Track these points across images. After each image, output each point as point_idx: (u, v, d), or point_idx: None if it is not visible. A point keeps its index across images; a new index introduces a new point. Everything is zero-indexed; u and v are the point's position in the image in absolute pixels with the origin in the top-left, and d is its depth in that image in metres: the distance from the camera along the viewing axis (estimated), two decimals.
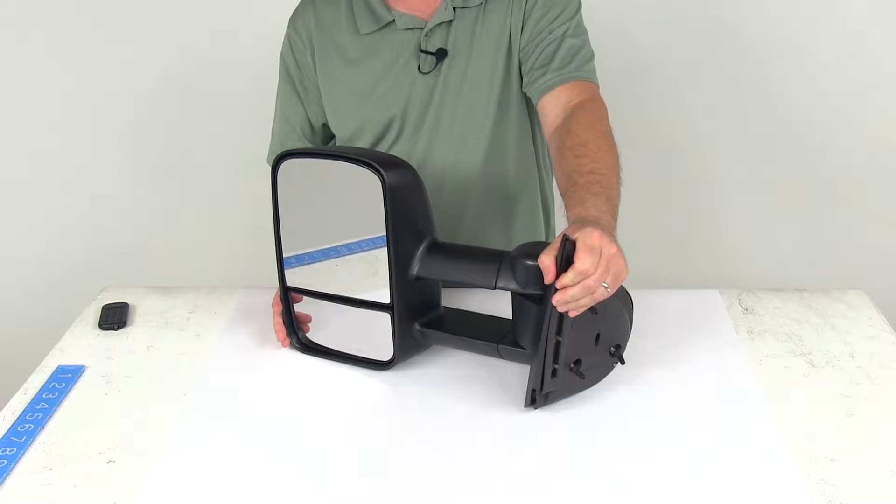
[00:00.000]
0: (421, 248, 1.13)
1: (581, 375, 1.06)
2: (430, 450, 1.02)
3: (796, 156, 2.11)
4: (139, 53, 2.05)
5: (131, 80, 2.07)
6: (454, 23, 1.30)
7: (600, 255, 0.95)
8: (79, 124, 2.11)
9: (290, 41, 1.38)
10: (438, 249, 1.14)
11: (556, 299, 0.97)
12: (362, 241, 1.14)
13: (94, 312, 1.34)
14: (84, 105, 2.09)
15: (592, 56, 1.31)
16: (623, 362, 1.10)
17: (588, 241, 0.96)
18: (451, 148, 1.35)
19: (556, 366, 1.03)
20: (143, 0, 2.00)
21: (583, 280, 0.95)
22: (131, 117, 2.11)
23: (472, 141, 1.34)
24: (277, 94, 1.43)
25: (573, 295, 0.96)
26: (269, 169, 1.19)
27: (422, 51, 1.30)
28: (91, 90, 2.08)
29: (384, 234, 1.09)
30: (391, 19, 1.31)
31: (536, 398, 1.06)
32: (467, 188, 1.38)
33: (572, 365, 1.05)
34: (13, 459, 1.01)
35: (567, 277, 0.95)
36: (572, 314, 0.98)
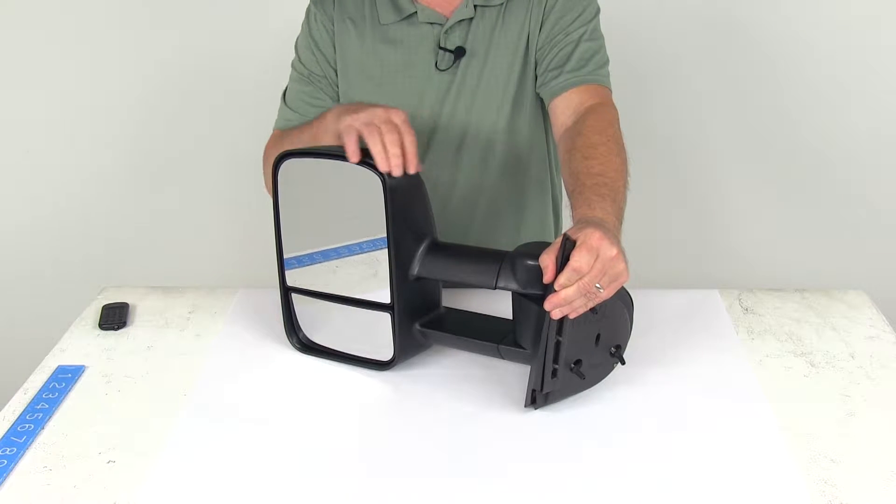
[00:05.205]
0: (421, 248, 1.13)
1: (581, 375, 1.06)
2: (431, 450, 1.02)
3: (796, 156, 2.11)
4: (139, 53, 2.05)
5: (131, 79, 2.07)
6: (474, 21, 1.30)
7: (597, 257, 0.95)
8: (78, 124, 2.11)
9: (314, 16, 1.35)
10: (439, 249, 1.14)
11: (550, 302, 0.96)
12: (363, 242, 1.14)
13: (94, 312, 1.34)
14: (84, 104, 2.09)
15: (607, 61, 1.31)
16: (623, 362, 1.10)
17: (587, 241, 0.95)
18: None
19: (557, 366, 1.02)
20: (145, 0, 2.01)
21: (577, 280, 0.95)
22: (131, 117, 2.11)
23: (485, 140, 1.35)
24: (296, 65, 1.38)
25: (566, 297, 0.95)
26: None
27: (441, 48, 1.30)
28: (91, 90, 2.08)
29: (385, 235, 1.09)
30: (413, 11, 1.31)
31: (537, 398, 1.06)
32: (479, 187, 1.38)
33: (573, 365, 1.05)
34: (13, 459, 1.01)
35: (563, 277, 0.95)
36: (571, 316, 0.98)
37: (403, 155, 1.05)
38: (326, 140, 1.14)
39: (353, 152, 1.06)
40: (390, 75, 1.33)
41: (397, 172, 1.05)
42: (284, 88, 1.40)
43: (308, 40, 1.37)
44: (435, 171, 1.36)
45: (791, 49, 2.01)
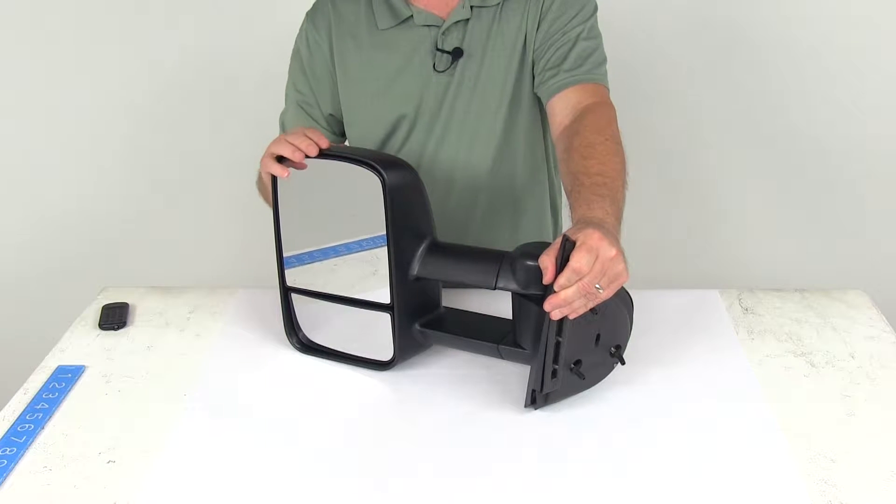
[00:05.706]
0: (421, 248, 1.13)
1: (581, 376, 1.06)
2: (430, 450, 1.02)
3: (796, 156, 2.11)
4: (140, 53, 2.05)
5: (132, 79, 2.07)
6: (471, 22, 1.30)
7: (597, 257, 0.95)
8: (79, 124, 2.11)
9: (306, 35, 1.37)
10: (438, 249, 1.14)
11: (549, 303, 0.96)
12: (362, 240, 1.14)
13: (94, 312, 1.34)
14: (84, 104, 2.09)
15: (605, 60, 1.31)
16: (623, 362, 1.10)
17: (587, 242, 0.95)
18: (462, 147, 1.35)
19: (557, 366, 1.02)
20: (145, 0, 2.01)
21: (577, 280, 0.95)
22: (132, 117, 2.11)
23: (483, 140, 1.35)
24: (289, 89, 1.41)
25: (566, 298, 0.95)
26: None
27: (438, 49, 1.31)
28: (91, 90, 2.08)
29: (384, 232, 1.09)
30: (409, 14, 1.31)
31: (537, 398, 1.06)
32: (477, 187, 1.38)
33: (572, 365, 1.05)
34: (13, 459, 1.01)
35: (563, 278, 0.95)
36: (570, 317, 0.98)
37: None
38: (267, 178, 1.19)
39: (280, 171, 1.14)
40: (389, 80, 1.33)
41: (312, 152, 1.12)
42: (282, 113, 1.42)
43: (300, 63, 1.38)
44: (433, 172, 1.36)
45: (791, 49, 2.01)
